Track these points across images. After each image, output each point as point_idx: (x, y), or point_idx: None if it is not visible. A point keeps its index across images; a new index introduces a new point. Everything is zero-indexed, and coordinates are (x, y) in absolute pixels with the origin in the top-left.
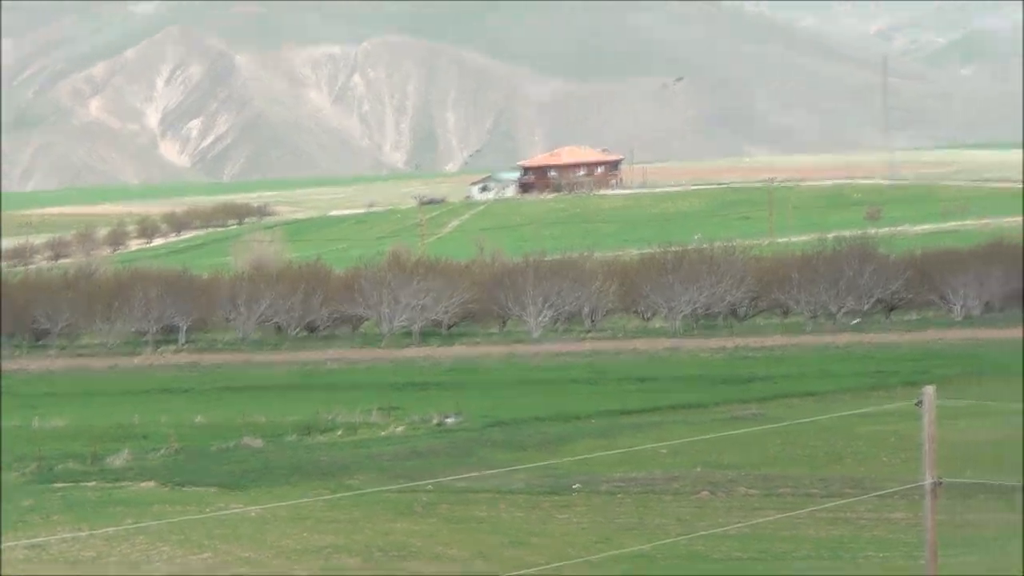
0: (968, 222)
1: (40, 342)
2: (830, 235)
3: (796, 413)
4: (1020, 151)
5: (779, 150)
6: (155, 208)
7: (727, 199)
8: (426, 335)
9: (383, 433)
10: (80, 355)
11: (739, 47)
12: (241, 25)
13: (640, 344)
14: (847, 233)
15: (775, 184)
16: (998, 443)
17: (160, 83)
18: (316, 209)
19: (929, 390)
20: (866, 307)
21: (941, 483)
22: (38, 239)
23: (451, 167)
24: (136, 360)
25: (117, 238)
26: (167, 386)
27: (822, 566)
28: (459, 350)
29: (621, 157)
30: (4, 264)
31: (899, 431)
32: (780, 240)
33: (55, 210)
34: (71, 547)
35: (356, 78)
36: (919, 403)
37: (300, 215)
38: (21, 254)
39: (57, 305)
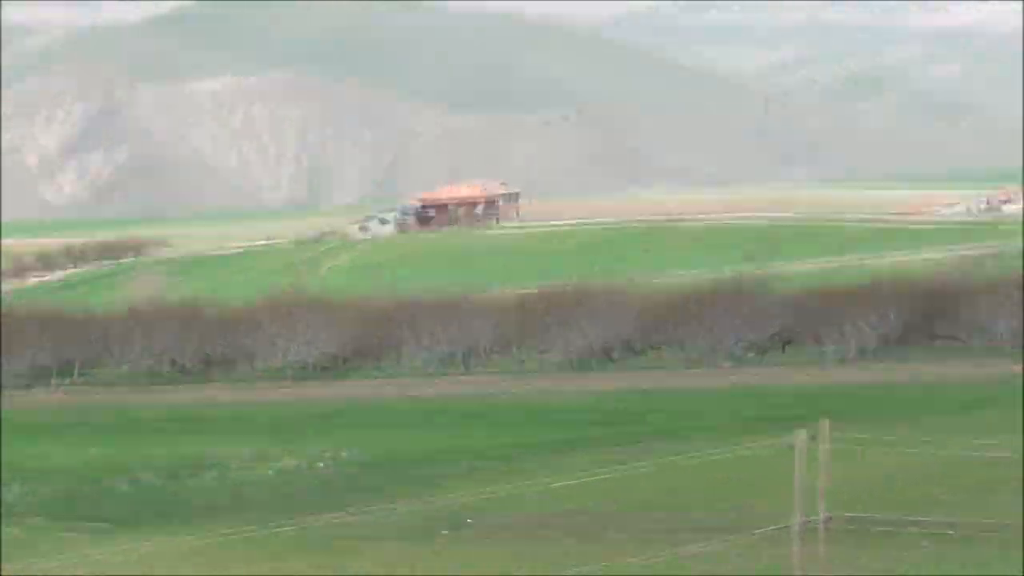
0: (860, 258)
1: None
2: (716, 272)
3: (676, 452)
4: (909, 190)
5: (669, 186)
6: (46, 243)
7: (614, 235)
8: (307, 373)
9: (267, 470)
10: None
11: (630, 83)
12: (135, 60)
13: (523, 382)
14: (734, 270)
15: (663, 220)
16: (878, 482)
17: (52, 116)
18: (207, 244)
19: (802, 431)
20: (750, 345)
21: (824, 521)
22: None
23: (342, 202)
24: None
25: (10, 273)
26: (38, 423)
27: None
28: (339, 388)
29: (516, 191)
30: None
31: (779, 470)
32: (666, 277)
33: None
34: None
35: (248, 113)
36: (794, 443)
37: (190, 250)
38: None
39: None
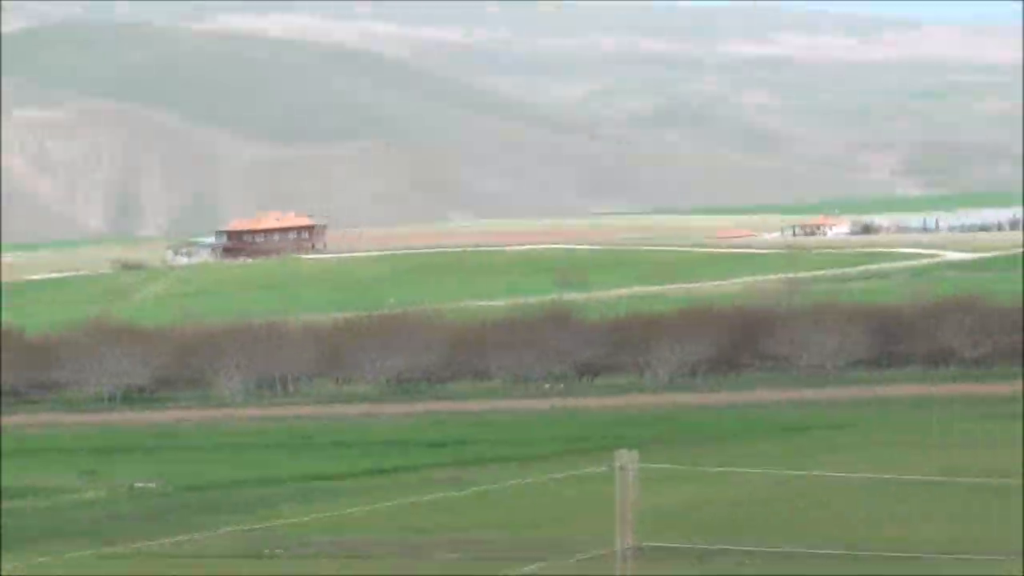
0: (670, 287)
1: None
2: (531, 300)
3: (494, 477)
4: (722, 217)
5: (482, 215)
6: None
7: (429, 263)
8: (126, 400)
9: (79, 498)
10: None
11: (445, 113)
12: None
13: (338, 409)
14: (548, 298)
15: (477, 249)
16: (695, 507)
17: None
18: (14, 274)
19: (623, 454)
20: (565, 372)
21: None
22: None
23: (151, 232)
24: None
25: None
26: None
27: None
28: (158, 415)
29: (325, 222)
30: None
31: (597, 495)
32: (481, 304)
33: None
34: None
35: (55, 142)
36: (615, 468)
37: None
38: None
39: None
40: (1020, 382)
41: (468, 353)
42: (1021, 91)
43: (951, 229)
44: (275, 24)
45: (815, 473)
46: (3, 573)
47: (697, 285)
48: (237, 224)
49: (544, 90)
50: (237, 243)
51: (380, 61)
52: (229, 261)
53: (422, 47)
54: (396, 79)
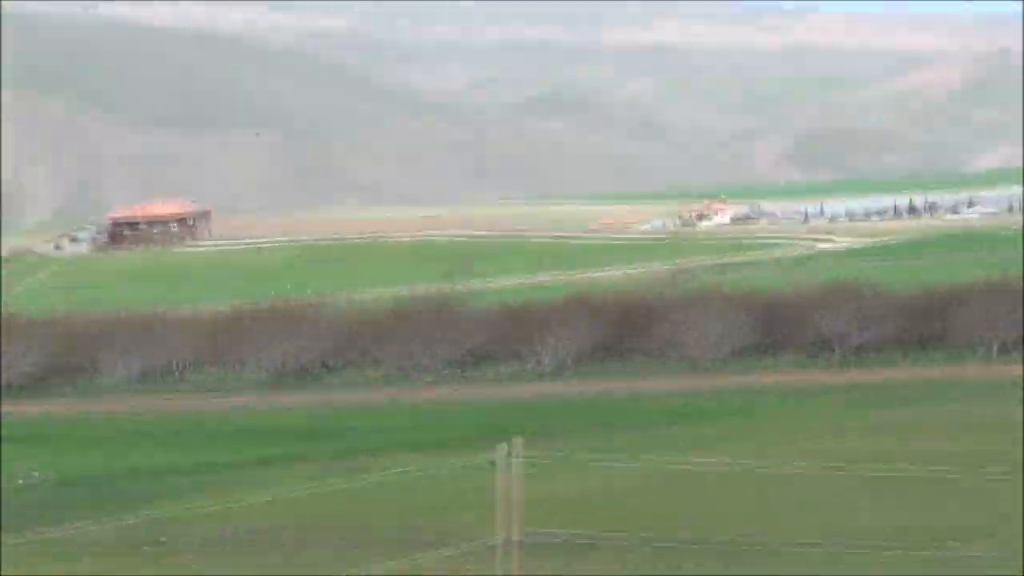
0: (555, 275)
1: None
2: (417, 288)
3: (383, 466)
4: (606, 205)
5: (369, 203)
6: None
7: (314, 252)
8: (8, 392)
9: None
10: None
11: (330, 100)
12: None
13: (218, 400)
14: (434, 286)
15: (362, 237)
16: (580, 498)
17: None
18: None
19: (508, 444)
20: (453, 361)
21: (522, 539)
22: None
23: (34, 220)
24: None
25: None
26: None
27: None
28: (40, 406)
29: (209, 209)
30: None
31: (483, 486)
32: (367, 293)
33: None
34: None
35: None
36: (497, 458)
37: None
38: None
39: None
40: (903, 369)
41: (358, 342)
42: (903, 76)
43: (836, 216)
44: (161, 12)
45: (697, 461)
46: None
47: (583, 273)
48: (121, 212)
49: (429, 78)
50: (121, 231)
51: (266, 49)
52: (114, 249)
53: (308, 35)
54: (282, 67)
